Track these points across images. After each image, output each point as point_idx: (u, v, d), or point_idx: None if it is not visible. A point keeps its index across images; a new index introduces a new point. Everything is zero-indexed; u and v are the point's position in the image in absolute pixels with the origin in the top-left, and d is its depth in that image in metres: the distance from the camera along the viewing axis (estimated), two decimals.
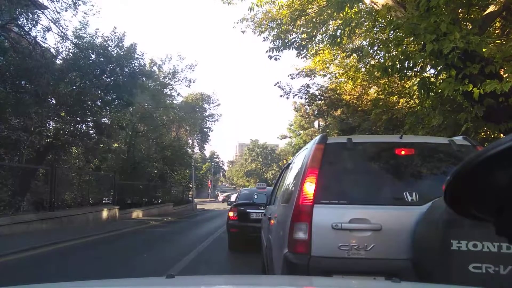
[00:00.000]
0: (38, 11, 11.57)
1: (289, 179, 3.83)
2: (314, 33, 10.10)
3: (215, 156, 70.92)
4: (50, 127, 14.65)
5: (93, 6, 16.07)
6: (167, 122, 24.38)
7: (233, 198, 31.76)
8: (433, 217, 2.42)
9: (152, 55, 39.90)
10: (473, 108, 5.40)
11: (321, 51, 12.44)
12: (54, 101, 13.14)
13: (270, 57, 9.53)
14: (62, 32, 12.13)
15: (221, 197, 48.94)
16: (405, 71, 6.06)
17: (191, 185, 33.78)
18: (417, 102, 9.11)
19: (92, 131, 15.79)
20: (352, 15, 8.13)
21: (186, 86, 29.42)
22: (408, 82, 9.86)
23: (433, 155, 3.11)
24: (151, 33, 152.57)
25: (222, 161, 76.74)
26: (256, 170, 62.57)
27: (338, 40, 7.93)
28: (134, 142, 21.83)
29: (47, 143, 13.97)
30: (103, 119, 15.64)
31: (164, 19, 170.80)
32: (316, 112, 19.22)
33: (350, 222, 2.66)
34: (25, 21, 11.48)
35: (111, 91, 13.97)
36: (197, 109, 31.94)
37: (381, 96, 11.94)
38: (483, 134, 7.31)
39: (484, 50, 5.08)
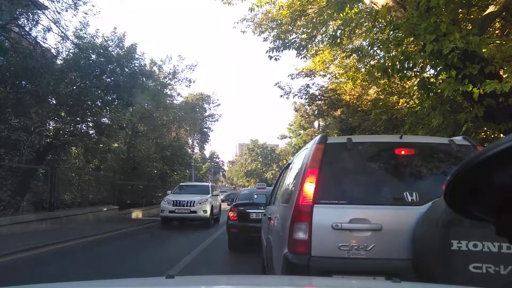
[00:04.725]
0: (39, 11, 11.56)
1: (289, 179, 3.84)
2: (314, 34, 10.11)
3: (215, 156, 71.02)
4: (50, 127, 14.66)
5: (93, 6, 16.10)
6: (167, 122, 24.36)
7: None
8: (433, 217, 2.42)
9: (152, 55, 39.83)
10: (473, 108, 5.40)
11: (321, 51, 12.45)
12: (54, 101, 13.13)
13: (270, 57, 9.55)
14: (62, 32, 12.14)
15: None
16: (405, 72, 6.06)
17: None
18: (417, 102, 9.11)
19: (92, 131, 15.78)
20: (352, 16, 8.13)
21: (186, 86, 29.36)
22: (408, 82, 9.86)
23: (433, 155, 3.11)
24: (151, 34, 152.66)
25: (222, 161, 76.89)
26: (256, 170, 62.55)
27: (338, 40, 7.93)
28: (134, 142, 21.82)
29: (47, 143, 13.97)
30: (103, 119, 15.64)
31: (164, 19, 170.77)
32: (316, 112, 19.24)
33: (350, 222, 2.66)
34: (25, 21, 11.48)
35: (111, 91, 13.96)
36: (197, 109, 31.93)
37: (381, 96, 11.94)
38: (483, 134, 7.31)
39: (484, 50, 5.08)
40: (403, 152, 3.04)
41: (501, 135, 5.64)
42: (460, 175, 0.67)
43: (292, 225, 2.75)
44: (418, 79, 6.76)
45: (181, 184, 17.72)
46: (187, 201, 13.56)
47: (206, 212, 13.57)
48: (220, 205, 17.20)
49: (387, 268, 2.54)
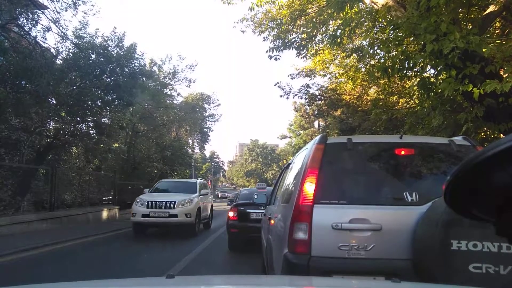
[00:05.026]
0: (38, 11, 11.56)
1: (289, 179, 3.84)
2: (314, 33, 10.11)
3: (215, 156, 71.00)
4: (50, 127, 14.67)
5: (93, 6, 16.04)
6: (167, 122, 24.37)
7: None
8: (433, 217, 2.42)
9: (152, 55, 39.83)
10: (473, 108, 5.40)
11: (321, 51, 12.45)
12: (54, 101, 13.13)
13: (270, 57, 9.54)
14: (62, 32, 12.13)
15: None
16: (405, 71, 6.06)
17: None
18: (417, 102, 9.11)
19: (92, 131, 15.79)
20: (352, 15, 8.13)
21: (186, 86, 29.38)
22: (408, 82, 9.86)
23: (433, 155, 3.11)
24: (151, 33, 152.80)
25: (222, 161, 76.95)
26: (256, 170, 62.62)
27: (338, 40, 7.93)
28: (134, 142, 21.83)
29: (47, 143, 13.98)
30: (103, 119, 15.64)
31: (164, 19, 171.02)
32: (316, 112, 19.24)
33: (350, 222, 2.66)
34: (25, 21, 11.48)
35: (111, 91, 13.97)
36: (197, 109, 31.95)
37: (381, 96, 11.94)
38: (483, 134, 7.31)
39: (484, 50, 5.08)
40: (403, 152, 3.04)
41: (501, 135, 5.64)
42: (460, 175, 0.66)
43: (292, 225, 2.75)
44: (418, 79, 6.77)
45: (162, 180, 14.28)
46: (166, 202, 10.41)
47: (190, 216, 10.50)
48: (212, 207, 13.94)
49: (387, 268, 2.54)
